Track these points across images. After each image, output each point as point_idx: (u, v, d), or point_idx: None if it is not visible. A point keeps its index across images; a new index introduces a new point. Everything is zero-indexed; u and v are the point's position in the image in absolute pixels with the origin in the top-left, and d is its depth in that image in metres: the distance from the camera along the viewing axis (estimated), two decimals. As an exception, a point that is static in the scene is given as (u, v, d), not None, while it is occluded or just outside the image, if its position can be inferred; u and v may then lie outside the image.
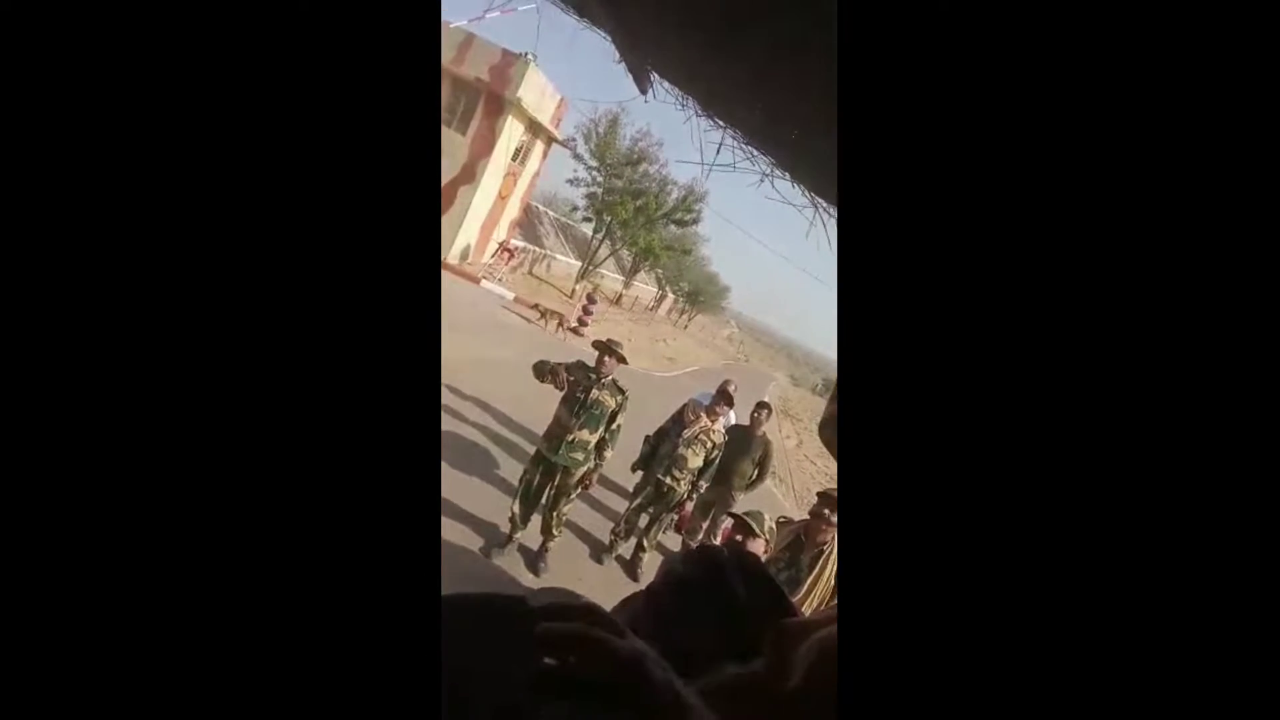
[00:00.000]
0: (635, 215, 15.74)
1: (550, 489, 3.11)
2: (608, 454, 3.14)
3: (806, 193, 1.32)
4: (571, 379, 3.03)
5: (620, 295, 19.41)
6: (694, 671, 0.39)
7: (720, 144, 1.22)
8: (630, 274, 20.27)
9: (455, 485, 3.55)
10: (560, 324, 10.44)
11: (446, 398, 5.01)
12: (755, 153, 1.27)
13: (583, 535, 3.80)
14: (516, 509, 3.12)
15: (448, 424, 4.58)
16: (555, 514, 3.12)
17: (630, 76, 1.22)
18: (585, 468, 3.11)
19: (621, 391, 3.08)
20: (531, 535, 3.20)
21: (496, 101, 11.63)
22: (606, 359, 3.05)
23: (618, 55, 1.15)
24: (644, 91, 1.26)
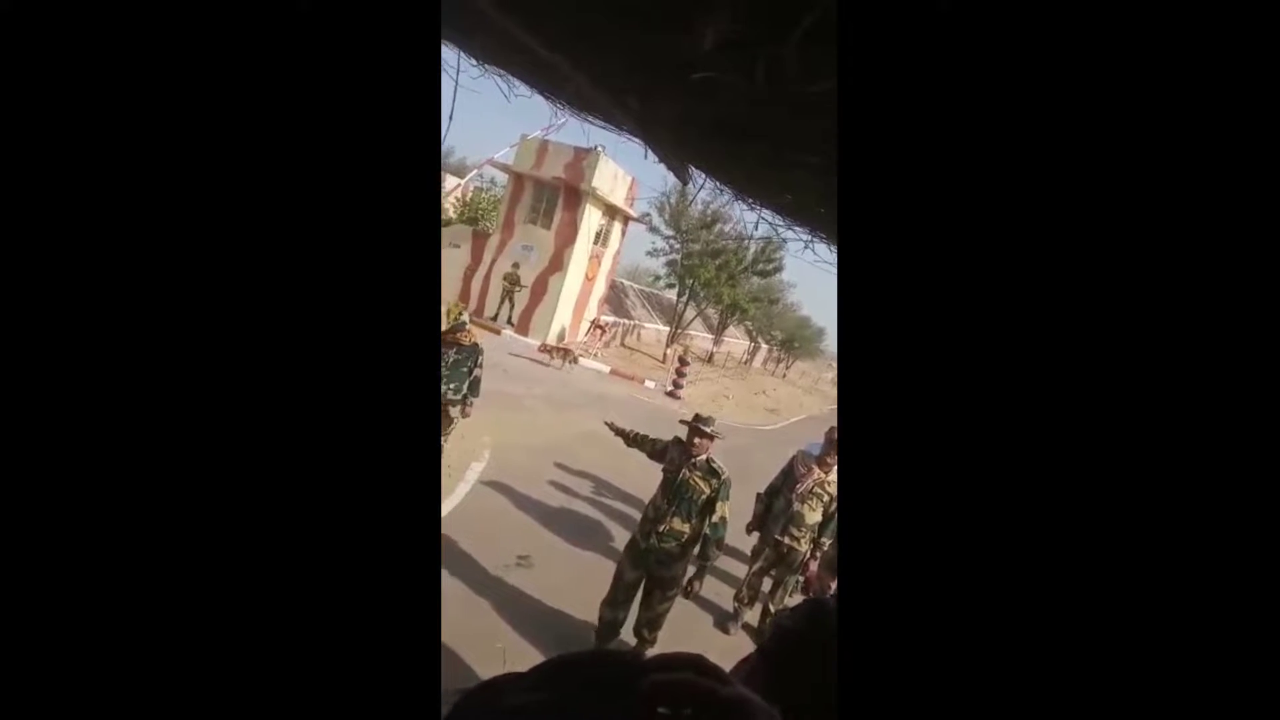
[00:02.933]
0: (717, 274, 15.95)
1: (642, 584, 2.70)
2: (713, 554, 2.69)
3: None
4: (667, 455, 2.71)
5: (712, 353, 19.39)
6: None
7: (757, 221, 1.30)
8: (719, 330, 20.30)
9: (574, 562, 3.61)
10: (565, 357, 10.49)
11: (557, 475, 5.20)
12: (793, 225, 1.32)
13: (705, 604, 3.69)
14: (605, 614, 2.73)
15: (561, 501, 4.73)
16: (649, 615, 2.68)
17: (670, 170, 1.33)
18: (682, 563, 2.69)
19: (716, 475, 2.64)
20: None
21: (574, 194, 12.61)
22: (696, 440, 2.66)
23: (654, 156, 1.27)
24: (684, 182, 1.36)
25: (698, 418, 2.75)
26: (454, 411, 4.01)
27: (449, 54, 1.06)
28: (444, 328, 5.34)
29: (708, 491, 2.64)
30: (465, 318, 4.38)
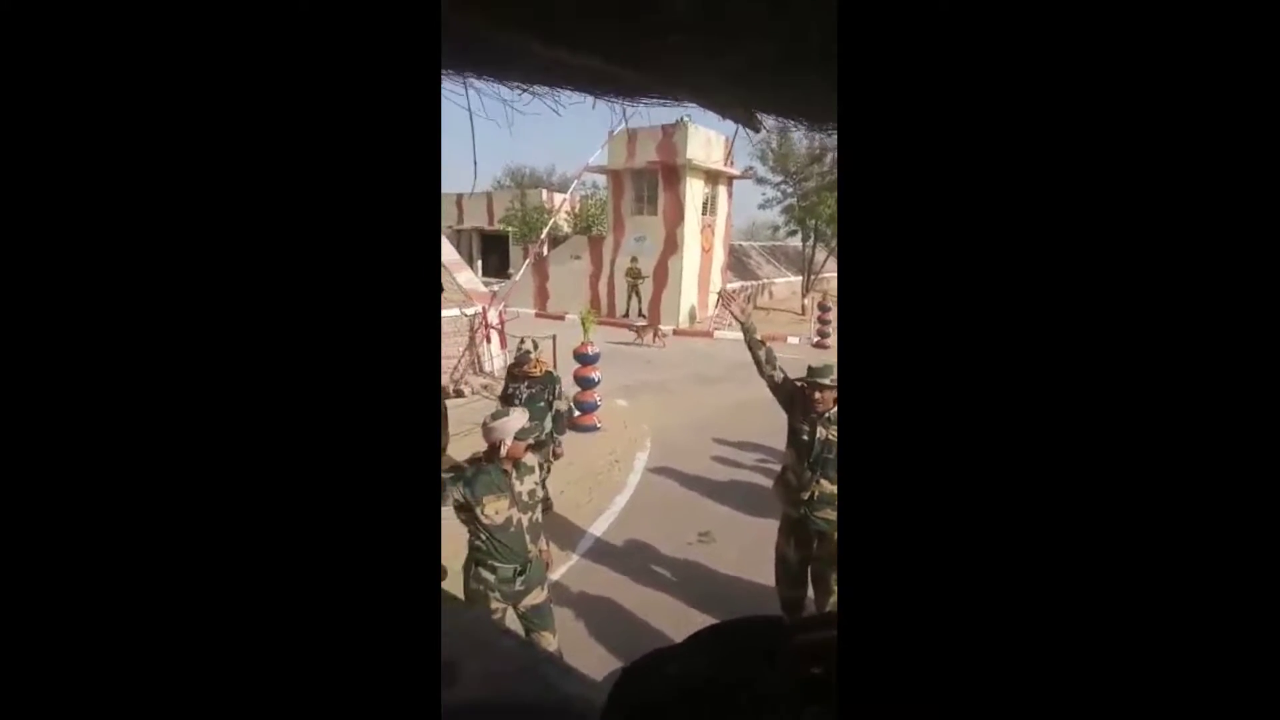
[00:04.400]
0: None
1: (810, 564, 2.47)
2: None
3: None
4: (800, 407, 2.46)
5: (855, 291, 18.12)
6: None
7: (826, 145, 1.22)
8: (857, 265, 18.91)
9: (752, 532, 3.64)
10: (655, 334, 10.16)
11: (718, 450, 5.27)
12: None
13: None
14: (783, 593, 2.55)
15: (728, 474, 4.79)
16: (829, 596, 2.44)
17: (740, 125, 1.29)
18: None
19: None
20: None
21: (672, 172, 12.56)
22: (818, 394, 2.40)
23: (719, 116, 1.24)
24: (756, 130, 1.31)
25: (811, 370, 2.45)
26: (535, 460, 2.33)
27: (493, 90, 1.14)
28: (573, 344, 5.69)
29: None
30: (530, 346, 3.69)
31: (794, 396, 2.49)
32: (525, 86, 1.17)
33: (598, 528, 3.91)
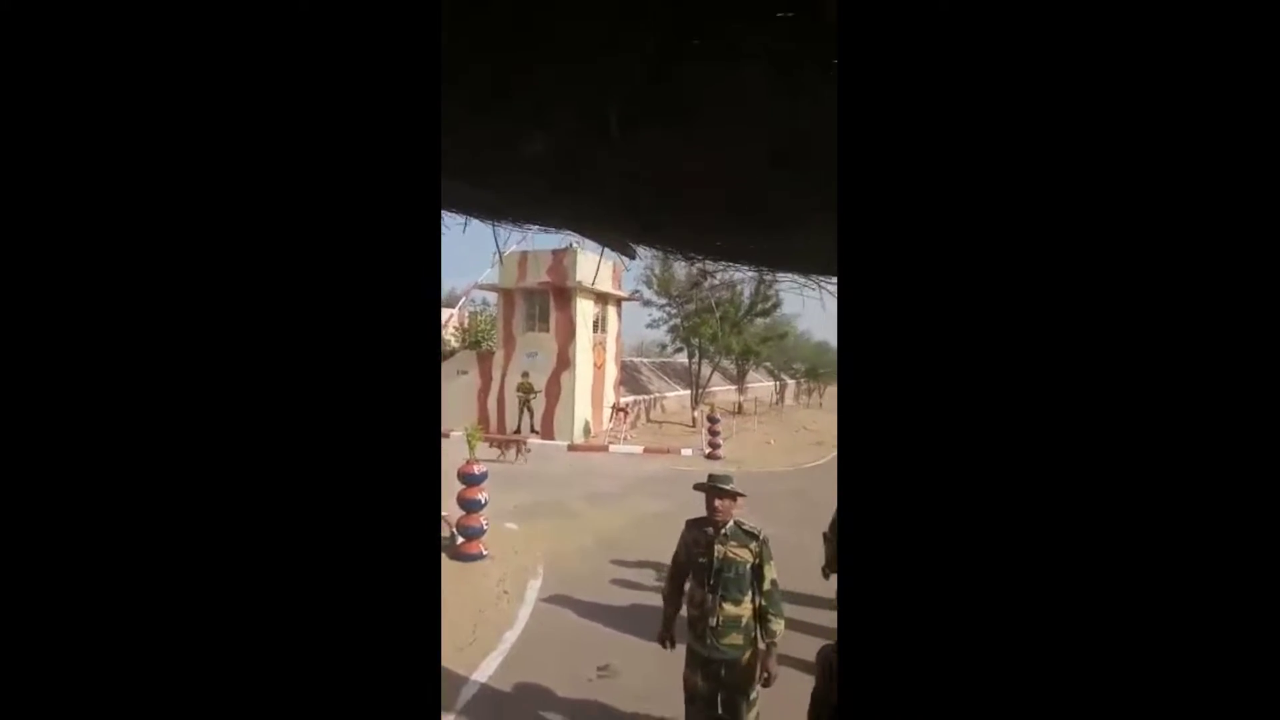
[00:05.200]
0: (720, 325, 16.13)
1: (720, 694, 2.28)
2: (776, 627, 2.27)
3: (799, 278, 1.49)
4: (691, 539, 2.36)
5: (739, 403, 19.19)
6: None
7: (705, 271, 1.39)
8: (741, 379, 20.22)
9: (659, 660, 3.39)
10: (518, 450, 10.01)
11: (616, 571, 5.00)
12: (739, 266, 1.41)
13: (801, 664, 3.39)
14: None
15: (629, 596, 4.51)
16: None
17: (617, 252, 1.41)
18: (750, 653, 2.28)
19: (754, 536, 2.29)
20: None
21: (563, 293, 13.07)
22: (718, 502, 2.29)
23: (597, 244, 1.35)
24: (631, 257, 1.45)
25: (712, 477, 2.37)
26: None
27: None
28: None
29: (751, 559, 2.27)
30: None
31: (683, 541, 2.41)
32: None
33: (483, 672, 3.42)
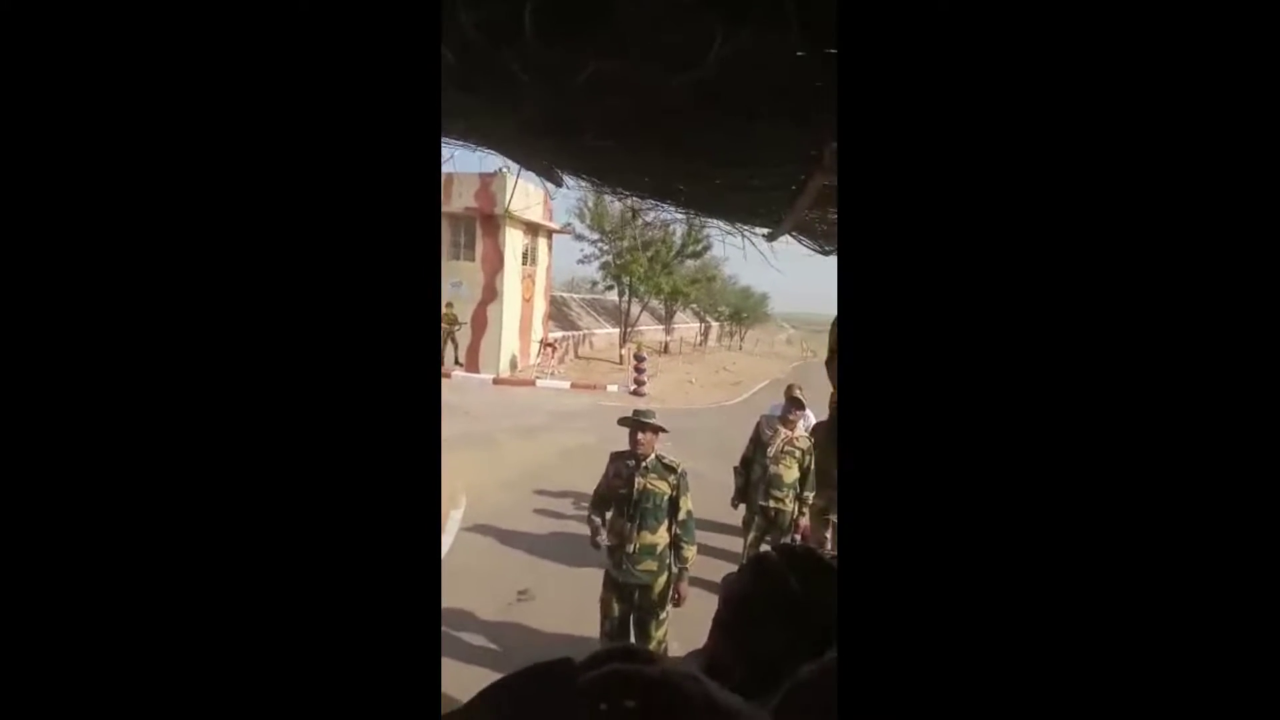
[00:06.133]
0: (650, 265, 16.07)
1: (633, 615, 2.50)
2: (688, 553, 2.48)
3: (725, 225, 1.48)
4: (614, 470, 2.51)
5: (666, 343, 19.52)
6: (779, 679, 0.41)
7: (634, 210, 1.36)
8: (668, 320, 20.46)
9: (578, 582, 3.57)
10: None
11: (539, 501, 5.13)
12: (667, 206, 1.38)
13: (710, 585, 3.70)
14: (609, 646, 2.40)
15: (550, 525, 4.66)
16: (650, 642, 2.45)
17: (542, 178, 1.36)
18: (663, 578, 2.48)
19: (672, 469, 2.45)
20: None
21: (490, 220, 12.44)
22: (640, 436, 2.43)
23: (521, 167, 1.29)
24: (557, 184, 1.39)
25: (636, 412, 2.54)
26: None
27: None
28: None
29: (669, 491, 2.43)
30: None
31: (615, 458, 2.56)
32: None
33: (404, 600, 3.47)
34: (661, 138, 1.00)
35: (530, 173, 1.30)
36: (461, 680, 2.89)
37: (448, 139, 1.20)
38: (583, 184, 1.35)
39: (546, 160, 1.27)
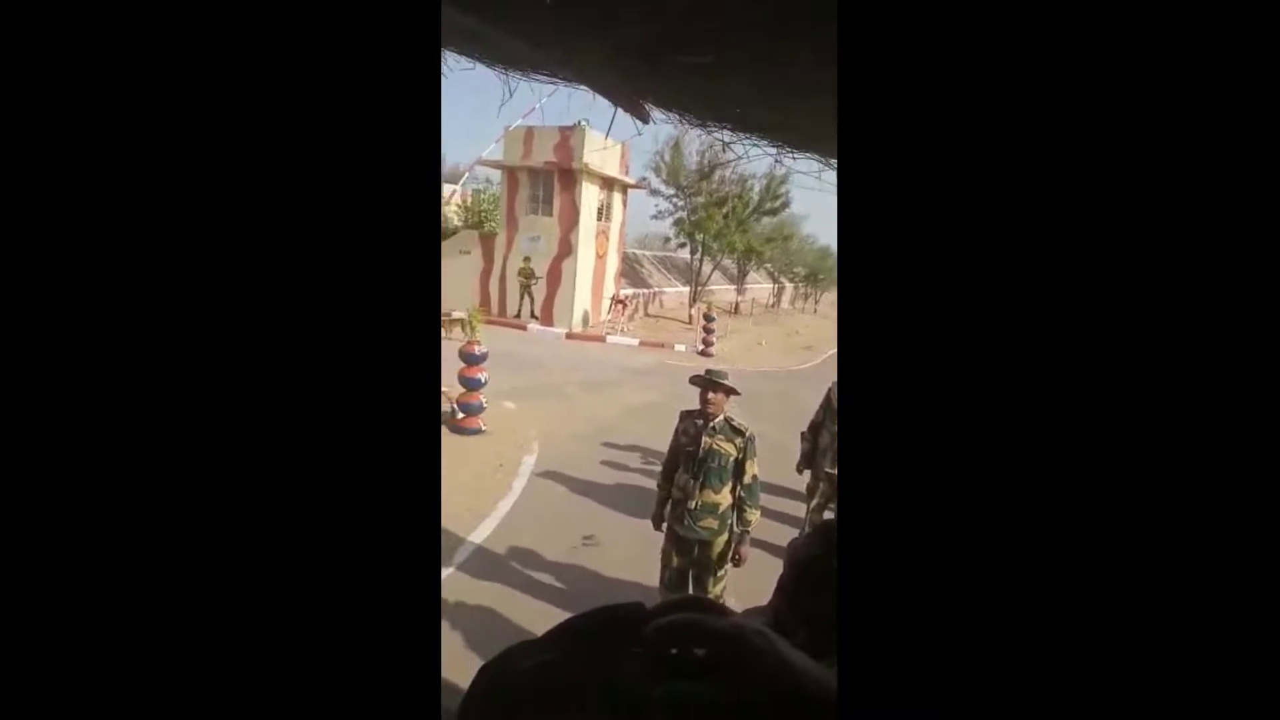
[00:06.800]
0: (725, 222, 15.65)
1: (692, 570, 2.55)
2: (751, 516, 2.49)
3: (816, 159, 1.38)
4: (681, 428, 2.54)
5: (737, 304, 19.15)
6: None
7: (725, 143, 1.28)
8: (740, 279, 20.00)
9: (639, 534, 3.70)
10: (463, 328, 9.46)
11: (606, 454, 5.30)
12: (758, 140, 1.31)
13: (772, 549, 3.73)
14: (666, 597, 2.51)
15: (616, 477, 4.82)
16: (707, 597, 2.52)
17: (629, 114, 1.31)
18: (723, 537, 2.51)
19: (740, 433, 2.45)
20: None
21: (568, 175, 12.49)
22: (711, 396, 2.45)
23: (607, 103, 1.25)
24: (644, 120, 1.34)
25: (709, 372, 2.52)
26: None
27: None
28: (466, 335, 5.40)
29: (735, 453, 2.43)
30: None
31: (683, 418, 2.59)
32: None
33: (479, 534, 3.75)
34: (754, 55, 0.95)
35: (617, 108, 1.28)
36: (527, 613, 3.10)
37: (535, 74, 1.19)
38: (671, 116, 1.29)
39: (636, 91, 1.24)
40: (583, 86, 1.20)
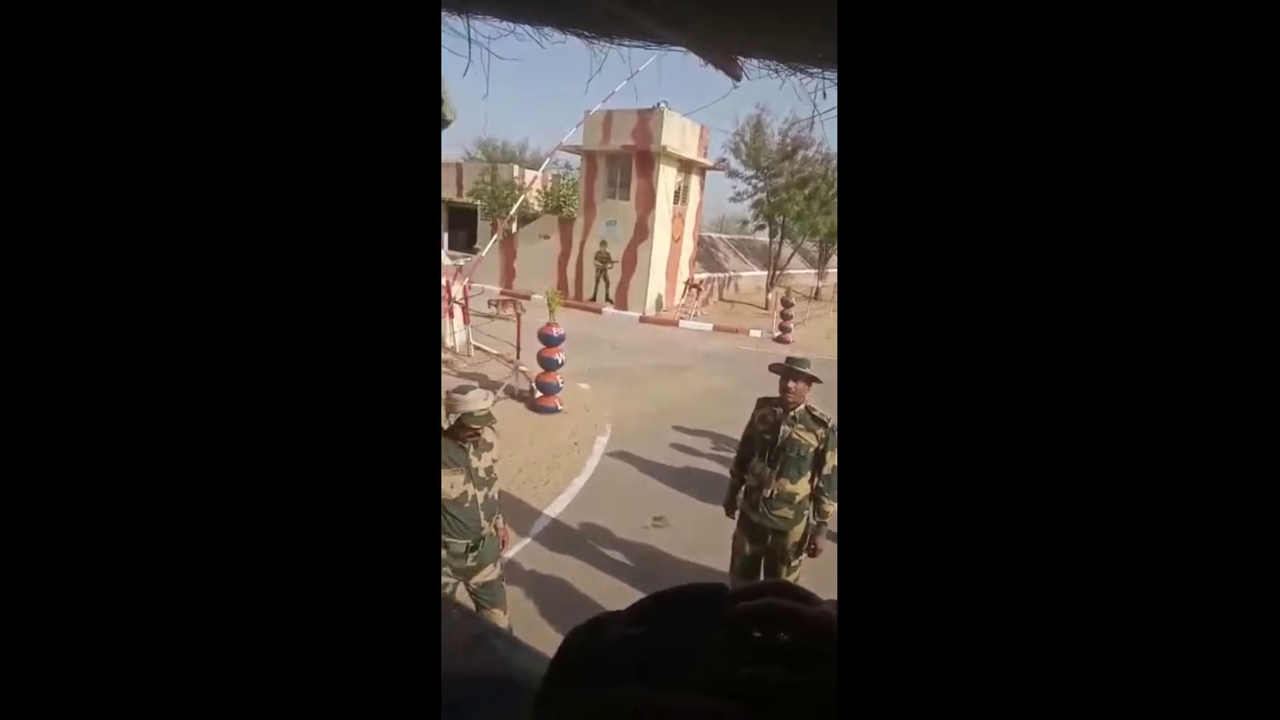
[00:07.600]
0: (807, 204, 15.04)
1: (764, 558, 2.51)
2: (830, 509, 2.39)
3: None
4: (759, 415, 2.48)
5: (817, 289, 18.44)
6: None
7: (821, 90, 1.20)
8: (822, 263, 19.20)
9: (707, 518, 3.71)
10: (515, 308, 8.94)
11: (677, 437, 5.33)
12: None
13: (848, 542, 3.62)
14: (736, 584, 2.37)
15: (686, 460, 4.85)
16: None
17: (721, 71, 1.27)
18: (799, 527, 2.44)
19: (822, 423, 2.36)
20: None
21: (647, 158, 12.48)
22: (791, 384, 2.35)
23: (700, 61, 1.21)
24: (737, 79, 1.29)
25: (790, 360, 2.43)
26: (494, 437, 2.25)
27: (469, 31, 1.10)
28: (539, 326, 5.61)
29: (815, 444, 2.35)
30: (468, 401, 2.12)
31: (761, 404, 2.54)
32: (510, 21, 1.13)
33: (554, 509, 3.91)
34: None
35: (710, 66, 1.23)
36: (598, 587, 3.22)
37: (622, 39, 1.18)
38: (768, 69, 1.23)
39: (732, 43, 1.20)
40: (677, 47, 1.17)
